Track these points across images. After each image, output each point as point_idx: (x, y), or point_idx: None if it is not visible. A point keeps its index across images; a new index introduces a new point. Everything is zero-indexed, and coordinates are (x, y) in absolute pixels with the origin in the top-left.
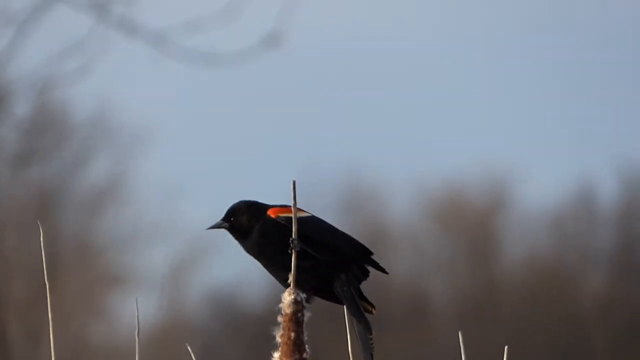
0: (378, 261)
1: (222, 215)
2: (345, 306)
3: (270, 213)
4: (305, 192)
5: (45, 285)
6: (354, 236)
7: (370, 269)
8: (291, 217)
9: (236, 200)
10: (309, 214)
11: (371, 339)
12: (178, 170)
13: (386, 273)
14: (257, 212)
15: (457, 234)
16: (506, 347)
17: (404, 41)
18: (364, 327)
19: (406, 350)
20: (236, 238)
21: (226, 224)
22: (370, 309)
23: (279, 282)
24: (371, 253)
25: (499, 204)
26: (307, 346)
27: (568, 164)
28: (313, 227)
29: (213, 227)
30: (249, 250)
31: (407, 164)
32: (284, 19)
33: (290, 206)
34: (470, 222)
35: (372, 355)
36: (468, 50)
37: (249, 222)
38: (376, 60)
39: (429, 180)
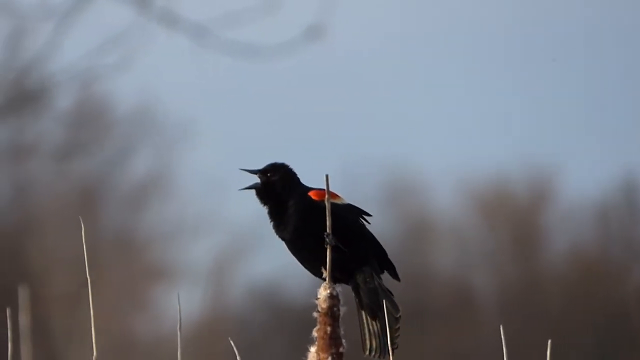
0: (397, 261)
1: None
2: (364, 299)
3: (313, 195)
4: (348, 185)
5: (87, 279)
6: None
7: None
8: (334, 203)
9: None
10: (345, 202)
11: (397, 329)
12: (221, 163)
13: (398, 280)
14: (295, 183)
15: (500, 227)
16: (550, 341)
17: (445, 33)
18: (389, 319)
19: (450, 343)
20: (266, 201)
21: (259, 182)
22: (389, 296)
23: (306, 267)
24: (386, 254)
25: (542, 196)
26: (343, 340)
27: (612, 156)
28: (348, 217)
29: (246, 188)
30: (281, 228)
31: (451, 157)
32: (325, 11)
33: (331, 192)
34: (514, 215)
35: (392, 349)
36: (511, 42)
37: (282, 187)
38: (421, 51)
39: (472, 173)
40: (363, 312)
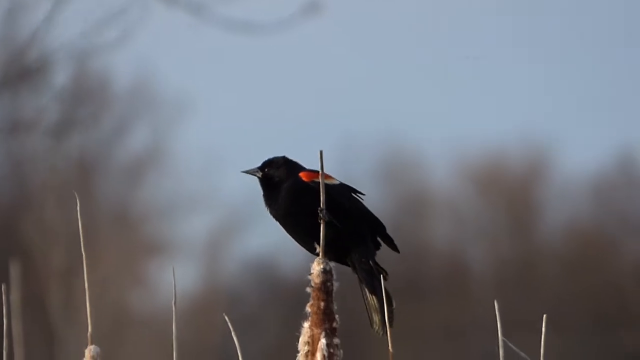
0: (396, 234)
1: (259, 164)
2: (361, 277)
3: (303, 176)
4: (344, 160)
5: (83, 254)
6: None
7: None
8: (325, 184)
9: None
10: (337, 182)
11: (392, 311)
12: (217, 139)
13: (397, 252)
14: (292, 170)
15: (496, 201)
16: (545, 316)
17: (442, 7)
18: (385, 298)
19: (445, 317)
20: (264, 190)
21: (259, 173)
22: (383, 275)
23: (300, 244)
24: (384, 227)
25: (538, 171)
26: (336, 315)
27: (608, 131)
28: (340, 196)
29: (247, 171)
30: (274, 207)
31: (447, 131)
32: None
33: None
34: (510, 189)
35: (388, 328)
36: (506, 17)
37: (280, 178)
38: (416, 29)
39: (468, 147)
40: (364, 288)
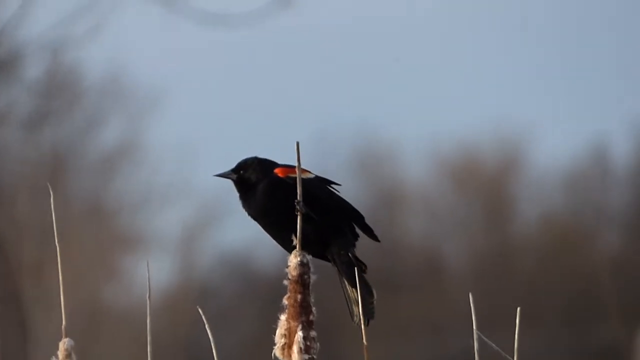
0: (373, 228)
1: (233, 166)
2: (341, 270)
3: (278, 172)
4: (319, 153)
5: (56, 247)
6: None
7: (361, 234)
8: (299, 175)
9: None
10: (312, 175)
11: (372, 302)
12: (191, 132)
13: (378, 241)
14: (267, 169)
15: (471, 195)
16: (519, 309)
17: (416, 1)
18: (365, 290)
19: (421, 311)
20: (240, 192)
21: (234, 176)
22: (363, 268)
23: (279, 243)
24: (363, 218)
25: (512, 163)
26: (313, 308)
27: (582, 123)
28: (316, 189)
29: (221, 175)
30: (252, 207)
31: (421, 125)
32: None
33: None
34: (484, 183)
35: (369, 320)
36: (479, 9)
37: (256, 179)
38: (389, 22)
39: (442, 141)
40: (344, 280)
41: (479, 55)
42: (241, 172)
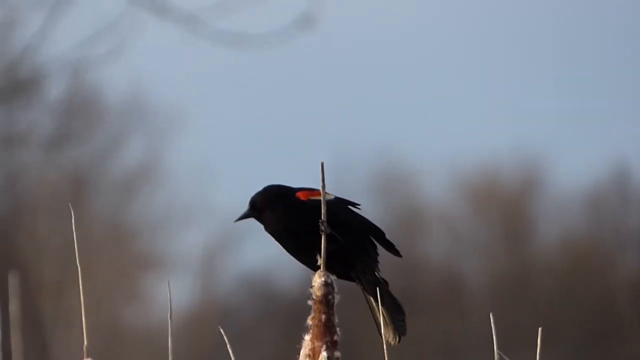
0: (394, 243)
1: (248, 201)
2: (367, 289)
3: (300, 196)
4: (340, 175)
5: (77, 267)
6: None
7: (382, 250)
8: (320, 200)
9: (264, 184)
10: (333, 197)
11: (403, 319)
12: (212, 152)
13: (400, 256)
14: (284, 196)
15: (490, 216)
16: (540, 329)
17: (439, 24)
18: (396, 308)
19: (441, 331)
20: (263, 223)
21: (254, 214)
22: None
23: (306, 265)
24: (384, 234)
25: (532, 185)
26: (337, 328)
27: (602, 145)
28: (339, 210)
29: (240, 218)
30: (278, 234)
31: (441, 146)
32: (317, 0)
33: (317, 189)
34: (504, 204)
35: (400, 337)
36: (500, 31)
37: (274, 208)
38: (409, 44)
39: (462, 162)
40: (371, 299)
41: (499, 77)
42: (258, 206)
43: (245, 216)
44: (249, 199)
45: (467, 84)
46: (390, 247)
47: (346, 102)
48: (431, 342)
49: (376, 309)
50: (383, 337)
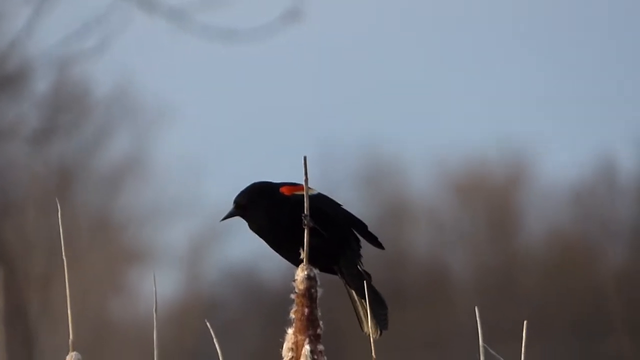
0: (377, 236)
1: (233, 200)
2: (349, 283)
3: (284, 191)
4: (325, 167)
5: (64, 261)
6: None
7: (365, 243)
8: (306, 189)
9: (250, 180)
10: (316, 192)
11: (385, 314)
12: (199, 146)
13: (382, 248)
14: (267, 192)
15: (476, 208)
16: (525, 322)
17: (421, 16)
18: (378, 303)
19: (426, 324)
20: (248, 221)
21: (239, 212)
22: (369, 280)
23: (289, 260)
24: (366, 226)
25: (518, 177)
26: (320, 322)
27: (588, 137)
28: (323, 204)
29: (225, 217)
30: (261, 230)
31: (427, 138)
32: None
33: (300, 184)
34: (490, 196)
35: (382, 330)
36: (485, 22)
37: (259, 204)
38: (394, 36)
39: (448, 154)
40: (354, 294)
41: (485, 69)
42: (242, 204)
43: (230, 215)
44: (233, 199)
45: (452, 77)
46: (373, 240)
47: (332, 95)
48: (416, 335)
49: (358, 303)
50: (364, 330)
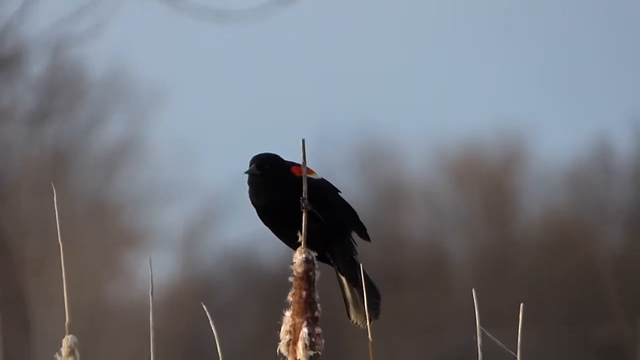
0: (371, 226)
1: (251, 161)
2: (342, 271)
3: (295, 171)
4: (321, 152)
5: (59, 245)
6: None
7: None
8: (309, 177)
9: (245, 163)
10: (319, 177)
11: (377, 302)
12: (194, 128)
13: (369, 240)
14: (284, 167)
15: (473, 191)
16: (522, 305)
17: (418, 2)
18: (371, 291)
19: (424, 308)
20: (255, 189)
21: (258, 171)
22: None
23: (285, 241)
24: (357, 216)
25: (515, 160)
26: (318, 305)
27: (584, 119)
28: (323, 189)
29: (248, 171)
30: (266, 205)
31: (423, 121)
32: None
33: (308, 167)
34: (487, 179)
35: (372, 319)
36: (481, 7)
37: (277, 175)
38: (391, 20)
39: (445, 137)
40: (343, 280)
41: (481, 52)
42: (266, 167)
43: (252, 172)
44: (253, 157)
45: (449, 60)
46: (362, 231)
47: (328, 78)
48: (414, 318)
49: (347, 290)
50: (350, 318)
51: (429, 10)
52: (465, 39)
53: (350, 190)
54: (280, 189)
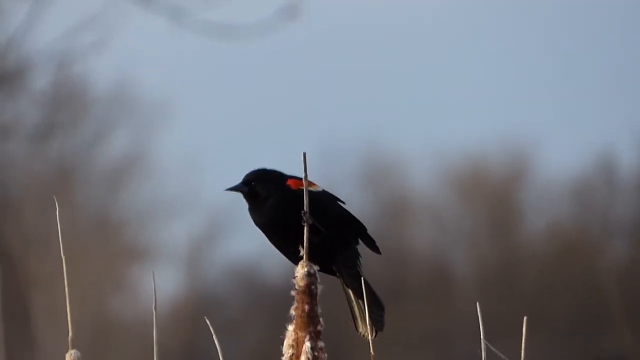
0: (377, 239)
1: (241, 179)
2: (347, 283)
3: (291, 184)
4: (325, 165)
5: (62, 259)
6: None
7: (362, 245)
8: (309, 190)
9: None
10: (320, 189)
11: (381, 315)
12: (198, 143)
13: (379, 253)
14: (277, 181)
15: (478, 205)
16: (525, 318)
17: (423, 10)
18: (375, 303)
19: (428, 321)
20: (250, 205)
21: (245, 189)
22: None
23: (287, 256)
24: (365, 229)
25: (519, 173)
26: (321, 319)
27: (588, 133)
28: (324, 202)
29: (231, 189)
30: (263, 218)
31: (427, 135)
32: None
33: (309, 180)
34: (491, 193)
35: (377, 331)
36: (487, 18)
37: (267, 191)
38: (394, 32)
39: (449, 151)
40: (350, 292)
41: (486, 65)
42: (252, 184)
43: (235, 189)
44: (244, 175)
45: (452, 73)
46: (371, 243)
47: (332, 92)
48: (417, 331)
49: (354, 303)
50: (358, 330)
51: (433, 24)
52: (470, 54)
53: (355, 204)
54: (272, 203)
